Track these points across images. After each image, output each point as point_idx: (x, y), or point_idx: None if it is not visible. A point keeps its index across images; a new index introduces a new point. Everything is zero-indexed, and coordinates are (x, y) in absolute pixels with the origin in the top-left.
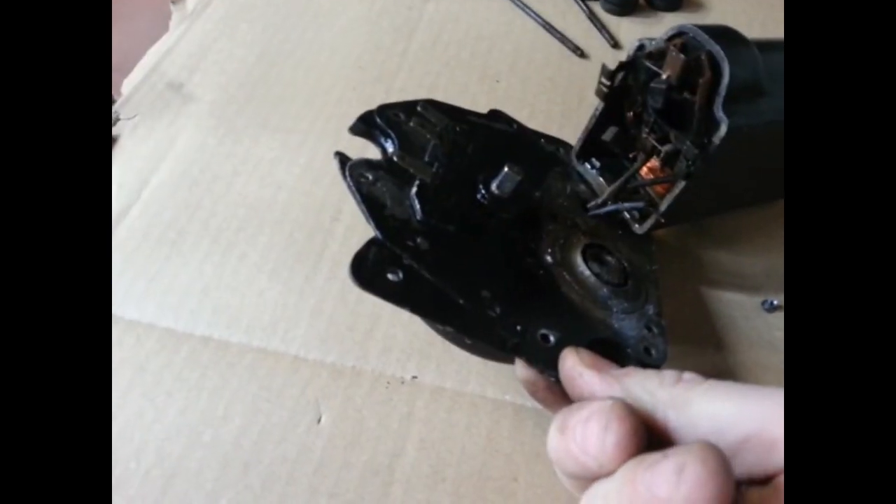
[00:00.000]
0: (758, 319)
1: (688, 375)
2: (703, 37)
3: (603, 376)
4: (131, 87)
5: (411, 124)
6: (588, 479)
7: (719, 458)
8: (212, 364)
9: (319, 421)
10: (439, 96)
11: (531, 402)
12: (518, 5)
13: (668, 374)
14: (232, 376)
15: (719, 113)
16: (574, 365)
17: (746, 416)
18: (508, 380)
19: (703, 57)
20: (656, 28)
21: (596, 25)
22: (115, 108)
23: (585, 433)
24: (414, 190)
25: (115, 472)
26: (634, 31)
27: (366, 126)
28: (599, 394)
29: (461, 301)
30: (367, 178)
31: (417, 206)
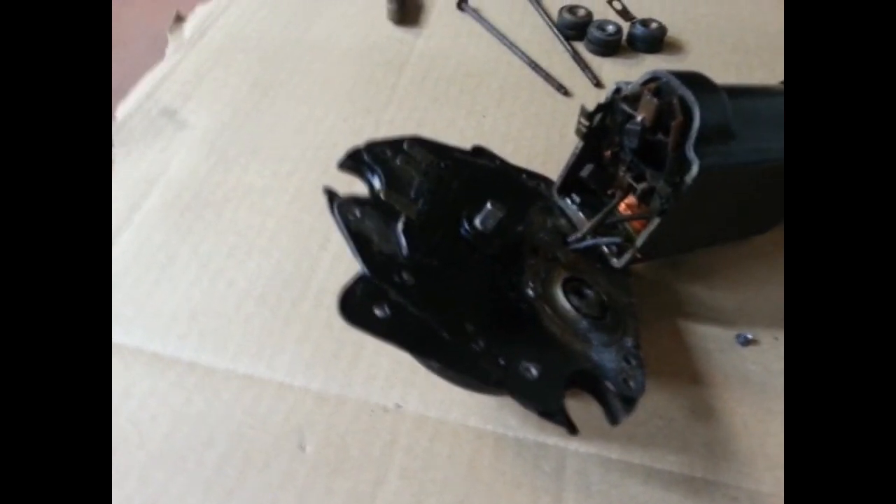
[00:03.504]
0: (732, 352)
1: None
2: (676, 82)
3: None
4: (126, 112)
5: (397, 161)
6: None
7: None
8: (197, 390)
9: (303, 448)
10: (427, 130)
11: (512, 433)
12: (506, 44)
13: None
14: (217, 402)
15: (691, 154)
16: None
17: None
18: (491, 409)
19: (675, 101)
20: (637, 69)
21: (580, 65)
22: None
23: None
24: (400, 226)
25: None
26: (616, 72)
27: (354, 162)
28: None
29: (446, 335)
30: (355, 214)
31: (404, 243)
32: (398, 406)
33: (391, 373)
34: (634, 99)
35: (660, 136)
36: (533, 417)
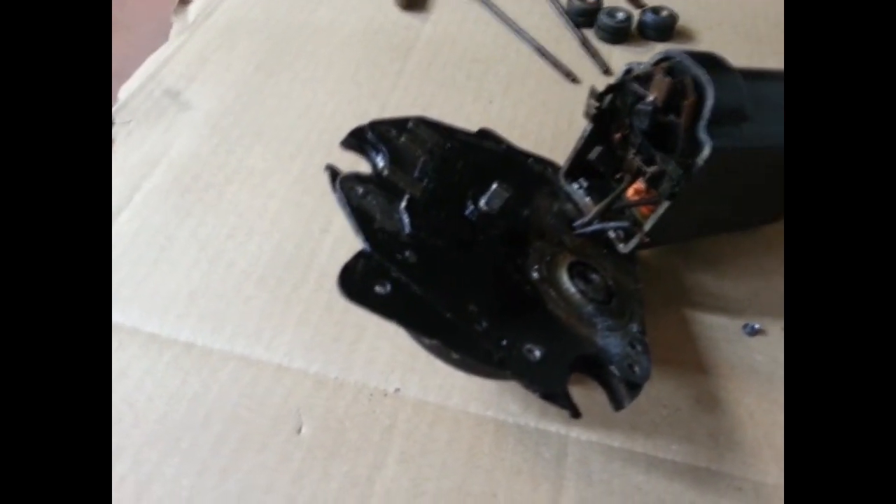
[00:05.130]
0: (739, 343)
1: None
2: (689, 61)
3: None
4: (128, 93)
5: (402, 140)
6: None
7: None
8: (194, 370)
9: (300, 431)
10: (433, 115)
11: (513, 419)
12: (514, 30)
13: None
14: (213, 383)
15: (703, 135)
16: None
17: None
18: (491, 395)
19: (689, 81)
20: (646, 56)
21: (588, 52)
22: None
23: None
24: (403, 204)
25: None
26: (626, 59)
27: (357, 141)
28: None
29: (448, 315)
30: (358, 191)
31: (406, 220)
32: (397, 390)
33: (391, 357)
34: (646, 79)
35: (671, 118)
36: (534, 404)
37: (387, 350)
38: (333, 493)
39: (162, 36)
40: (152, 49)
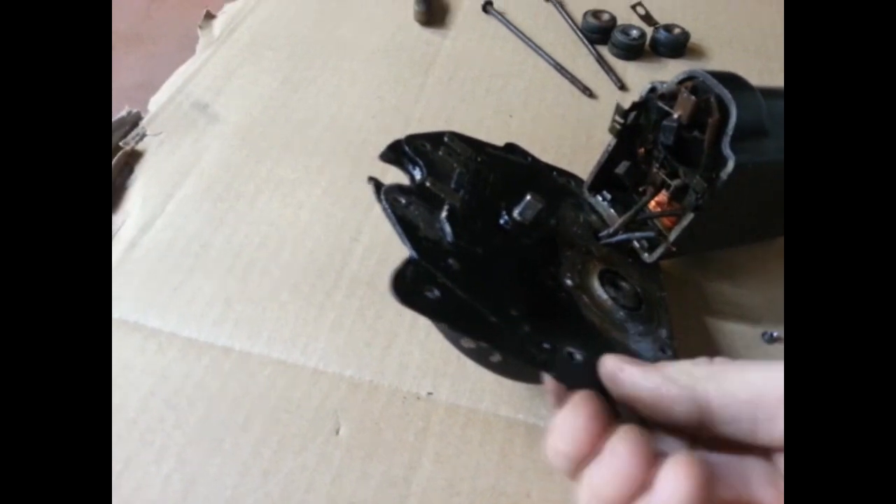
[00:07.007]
0: (758, 350)
1: (718, 359)
2: (712, 81)
3: (643, 368)
4: (158, 105)
5: (439, 153)
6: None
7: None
8: (233, 374)
9: (338, 432)
10: (456, 128)
11: (543, 422)
12: (531, 46)
13: (701, 359)
14: (252, 386)
15: (727, 150)
16: (616, 361)
17: (779, 382)
18: (521, 399)
19: (712, 99)
20: (660, 73)
21: (604, 68)
22: (142, 124)
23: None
24: (444, 214)
25: (136, 475)
26: (640, 75)
27: (394, 154)
28: (641, 382)
29: (493, 319)
30: (401, 201)
31: (448, 230)
32: (430, 394)
33: (423, 362)
34: (670, 97)
35: (695, 134)
36: None
37: (418, 355)
38: (372, 492)
39: (187, 49)
40: (178, 62)
